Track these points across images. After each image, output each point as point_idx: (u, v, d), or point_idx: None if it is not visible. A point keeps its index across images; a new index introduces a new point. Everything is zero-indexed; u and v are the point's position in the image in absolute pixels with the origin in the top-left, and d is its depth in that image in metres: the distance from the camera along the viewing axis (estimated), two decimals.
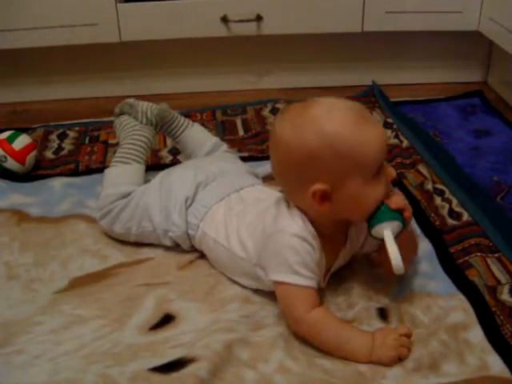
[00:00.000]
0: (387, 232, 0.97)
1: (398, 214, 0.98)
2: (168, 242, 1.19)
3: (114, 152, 1.33)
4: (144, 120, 1.35)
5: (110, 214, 1.21)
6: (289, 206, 1.01)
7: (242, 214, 1.12)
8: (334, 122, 0.93)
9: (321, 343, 0.97)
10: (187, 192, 1.17)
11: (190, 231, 1.16)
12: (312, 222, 0.99)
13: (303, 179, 0.95)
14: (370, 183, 0.96)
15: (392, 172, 1.00)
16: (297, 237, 0.98)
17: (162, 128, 1.40)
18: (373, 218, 0.98)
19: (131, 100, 1.37)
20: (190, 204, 1.17)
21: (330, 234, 1.02)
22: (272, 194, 1.13)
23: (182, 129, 1.41)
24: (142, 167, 1.29)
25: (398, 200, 0.99)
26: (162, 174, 1.25)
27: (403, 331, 0.95)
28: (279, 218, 1.01)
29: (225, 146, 1.41)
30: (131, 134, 1.32)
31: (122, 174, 1.26)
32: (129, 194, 1.21)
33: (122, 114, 1.36)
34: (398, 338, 0.94)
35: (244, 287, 1.11)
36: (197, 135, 1.41)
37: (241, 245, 1.08)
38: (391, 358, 0.93)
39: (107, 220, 1.22)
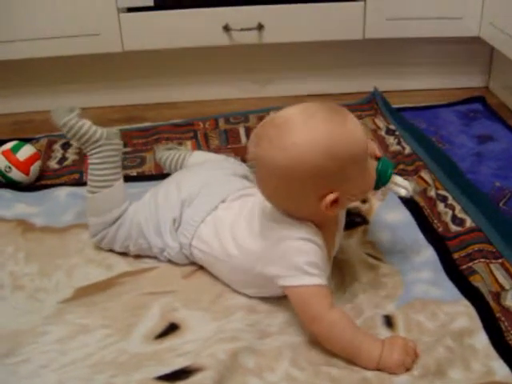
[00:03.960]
0: (395, 178, 1.09)
1: (384, 159, 1.06)
2: (165, 260, 1.20)
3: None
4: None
5: (105, 239, 1.21)
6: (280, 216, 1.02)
7: (234, 224, 1.10)
8: (322, 131, 0.93)
9: (334, 343, 0.97)
10: (173, 213, 1.15)
11: (183, 250, 1.16)
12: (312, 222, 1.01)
13: (308, 194, 0.96)
14: (366, 166, 1.00)
15: (372, 144, 1.05)
16: (302, 239, 0.99)
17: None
18: (379, 179, 1.04)
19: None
20: (179, 225, 1.16)
21: (327, 225, 1.03)
22: (256, 196, 1.12)
23: (180, 162, 1.38)
24: (121, 181, 1.22)
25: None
26: (150, 193, 1.22)
27: (411, 342, 0.96)
28: (280, 226, 1.01)
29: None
30: (99, 150, 1.20)
31: (107, 199, 1.20)
32: (119, 217, 1.19)
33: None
34: (406, 346, 0.94)
35: (249, 296, 1.10)
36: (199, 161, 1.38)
37: (240, 255, 1.07)
38: (398, 366, 0.93)
39: (105, 243, 1.22)
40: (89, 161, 1.21)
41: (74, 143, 1.20)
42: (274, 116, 0.98)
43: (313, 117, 0.95)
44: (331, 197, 0.95)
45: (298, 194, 0.97)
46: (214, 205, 1.15)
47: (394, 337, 0.98)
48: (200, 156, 1.41)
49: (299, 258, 0.98)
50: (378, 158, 1.04)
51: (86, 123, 1.19)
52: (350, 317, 1.00)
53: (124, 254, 1.22)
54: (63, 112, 1.20)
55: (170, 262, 1.20)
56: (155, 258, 1.21)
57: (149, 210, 1.18)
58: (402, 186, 1.09)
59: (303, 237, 0.99)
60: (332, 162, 0.93)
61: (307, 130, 0.94)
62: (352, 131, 0.96)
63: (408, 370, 0.93)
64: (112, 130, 1.22)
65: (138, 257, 1.22)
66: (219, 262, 1.11)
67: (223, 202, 1.15)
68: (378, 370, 0.94)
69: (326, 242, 1.02)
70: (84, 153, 1.23)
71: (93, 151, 1.20)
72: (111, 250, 1.23)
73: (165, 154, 1.42)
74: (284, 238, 1.00)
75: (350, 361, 0.96)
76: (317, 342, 0.99)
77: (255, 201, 1.10)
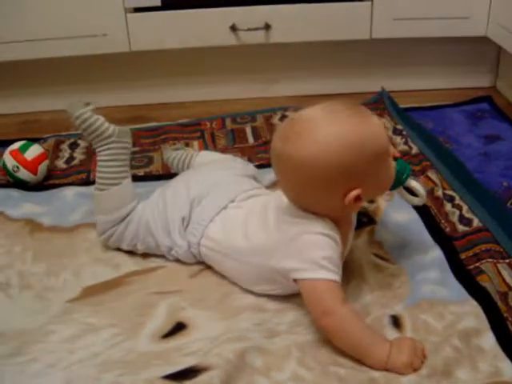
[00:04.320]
0: (411, 182, 1.12)
1: (401, 160, 1.08)
2: (172, 258, 1.20)
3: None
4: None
5: (113, 237, 1.21)
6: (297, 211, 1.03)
7: (246, 221, 1.11)
8: (348, 128, 0.96)
9: (343, 340, 0.97)
10: (182, 212, 1.16)
11: (192, 249, 1.16)
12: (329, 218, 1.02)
13: (333, 190, 0.98)
14: (388, 164, 1.03)
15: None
16: (321, 234, 1.00)
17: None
18: (396, 180, 1.07)
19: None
20: (188, 223, 1.16)
21: (342, 223, 1.05)
22: (267, 195, 1.18)
23: (187, 162, 1.40)
24: (130, 179, 1.22)
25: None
26: (158, 192, 1.23)
27: (419, 343, 0.96)
28: (298, 221, 1.02)
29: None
30: (109, 147, 1.20)
31: (116, 197, 1.20)
32: (127, 216, 1.20)
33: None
34: (414, 347, 0.94)
35: (257, 295, 1.11)
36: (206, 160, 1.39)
37: (252, 251, 1.08)
38: (406, 367, 0.93)
39: (112, 241, 1.22)
40: (97, 158, 1.21)
41: (85, 138, 1.20)
42: (300, 113, 1.01)
43: (338, 114, 0.98)
44: (355, 193, 0.97)
45: (322, 189, 0.98)
46: (223, 204, 1.15)
47: (403, 338, 0.98)
48: (207, 156, 1.42)
49: (316, 252, 0.99)
50: (395, 159, 1.06)
51: (100, 118, 1.19)
52: (361, 316, 1.00)
53: (131, 253, 1.23)
54: (79, 105, 1.20)
55: (177, 261, 1.20)
56: (162, 256, 1.21)
57: (157, 209, 1.18)
58: (416, 190, 1.12)
59: (321, 231, 1.00)
60: (358, 157, 0.96)
61: (334, 126, 0.97)
62: (376, 128, 0.99)
63: (416, 370, 0.93)
64: (124, 128, 1.22)
65: (145, 256, 1.22)
66: (229, 260, 1.11)
67: (232, 201, 1.16)
68: (386, 370, 0.94)
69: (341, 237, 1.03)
70: (93, 149, 1.23)
71: (103, 147, 1.20)
72: (119, 249, 1.23)
73: (172, 154, 1.43)
74: (302, 233, 1.01)
75: (358, 361, 0.96)
76: (325, 341, 0.99)
77: (268, 198, 1.13)
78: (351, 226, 1.10)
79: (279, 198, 1.07)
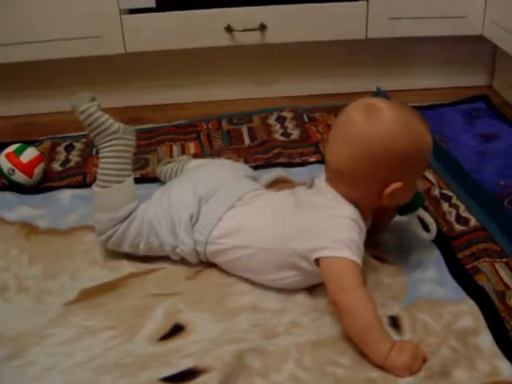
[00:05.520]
0: (424, 214, 1.17)
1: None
2: (176, 257, 1.19)
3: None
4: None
5: (113, 237, 1.19)
6: (331, 194, 1.07)
7: (256, 213, 1.14)
8: (413, 123, 1.03)
9: (354, 321, 0.97)
10: (191, 209, 1.16)
11: (198, 248, 1.16)
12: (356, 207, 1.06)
13: (382, 177, 1.03)
14: (420, 177, 1.12)
15: None
16: (350, 219, 1.03)
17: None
18: (410, 205, 1.13)
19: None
20: (195, 221, 1.16)
21: (366, 217, 1.08)
22: (275, 194, 1.21)
23: (179, 170, 1.41)
24: (132, 178, 1.21)
25: None
26: (161, 191, 1.22)
27: (421, 349, 0.96)
28: (329, 203, 1.06)
29: None
30: (113, 143, 1.19)
31: (118, 195, 1.18)
32: (129, 215, 1.18)
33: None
34: (415, 352, 0.94)
35: (255, 296, 1.11)
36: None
37: (267, 238, 1.09)
38: (404, 369, 0.93)
39: (113, 242, 1.20)
40: (100, 155, 1.20)
41: (89, 133, 1.19)
42: (370, 100, 1.07)
43: (415, 113, 1.05)
44: (397, 185, 1.03)
45: (373, 171, 1.03)
46: (231, 203, 1.16)
47: (407, 341, 0.98)
48: (197, 162, 1.42)
49: (344, 234, 1.02)
50: None
51: (105, 115, 1.19)
52: (376, 305, 1.00)
53: (128, 256, 1.22)
54: (84, 99, 1.19)
55: (174, 263, 1.20)
56: (160, 258, 1.20)
57: (161, 208, 1.18)
58: (429, 223, 1.16)
59: (351, 217, 1.04)
60: (417, 153, 1.03)
61: (413, 119, 1.04)
62: (430, 142, 1.06)
63: (412, 374, 0.93)
64: (129, 127, 1.22)
65: (142, 258, 1.22)
66: (240, 250, 1.11)
67: (240, 200, 1.17)
68: (383, 368, 0.94)
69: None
70: (96, 145, 1.21)
71: (106, 143, 1.18)
72: (116, 252, 1.23)
73: (164, 168, 1.44)
74: (331, 215, 1.04)
75: (356, 361, 0.96)
76: (324, 341, 0.99)
77: (284, 191, 1.20)
78: (368, 223, 1.12)
79: (300, 190, 1.14)
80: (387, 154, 1.00)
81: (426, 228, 1.17)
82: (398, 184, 1.02)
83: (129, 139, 1.20)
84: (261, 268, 1.11)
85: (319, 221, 1.04)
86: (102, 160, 1.19)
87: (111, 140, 1.18)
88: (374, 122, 1.01)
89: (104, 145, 1.19)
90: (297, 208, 1.09)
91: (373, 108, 1.03)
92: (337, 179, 1.06)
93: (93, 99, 1.20)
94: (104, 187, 1.18)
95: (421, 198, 1.15)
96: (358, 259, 1.00)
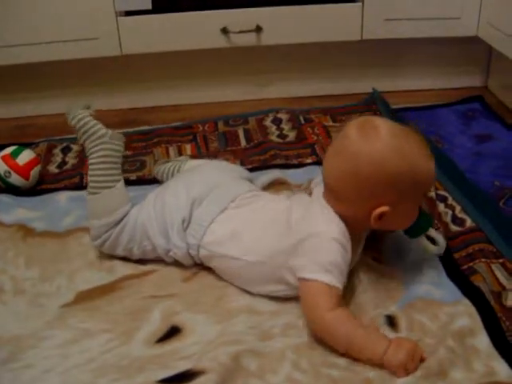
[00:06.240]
0: (431, 231, 1.18)
1: (424, 212, 1.11)
2: (170, 260, 1.19)
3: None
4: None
5: (108, 241, 1.19)
6: (323, 209, 1.05)
7: (248, 222, 1.12)
8: (417, 151, 1.02)
9: (337, 343, 0.97)
10: (183, 213, 1.15)
11: (190, 251, 1.16)
12: (346, 225, 1.03)
13: (369, 197, 1.01)
14: (418, 204, 1.07)
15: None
16: (336, 241, 1.01)
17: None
18: (417, 229, 1.11)
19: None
20: (188, 225, 1.16)
21: (356, 235, 1.06)
22: (270, 197, 1.20)
23: (176, 170, 1.41)
24: (122, 183, 1.22)
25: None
26: (155, 193, 1.22)
27: (419, 347, 0.96)
28: (317, 220, 1.04)
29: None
30: (100, 148, 1.20)
31: (109, 200, 1.19)
32: (122, 220, 1.19)
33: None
34: (413, 350, 0.94)
35: (251, 298, 1.11)
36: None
37: (257, 251, 1.08)
38: (400, 367, 0.92)
39: (107, 246, 1.20)
40: (89, 161, 1.21)
41: (79, 139, 1.21)
42: (371, 119, 1.05)
43: (415, 137, 1.04)
44: (383, 208, 1.00)
45: (360, 190, 1.01)
46: (224, 205, 1.16)
47: (404, 339, 0.98)
48: (194, 162, 1.42)
49: (328, 257, 1.00)
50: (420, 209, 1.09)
51: (94, 120, 1.21)
52: (354, 316, 1.00)
53: (125, 258, 1.22)
54: (78, 106, 1.23)
55: (170, 265, 1.20)
56: (157, 260, 1.20)
57: (154, 211, 1.18)
58: (437, 239, 1.18)
59: (338, 239, 1.02)
60: (408, 178, 1.00)
61: (407, 142, 1.01)
62: (432, 169, 1.05)
63: (409, 374, 0.92)
64: (117, 133, 1.22)
65: (139, 260, 1.22)
66: (231, 260, 1.11)
67: (233, 202, 1.17)
68: (381, 366, 0.94)
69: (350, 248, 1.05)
70: (86, 152, 1.22)
71: (95, 148, 1.19)
72: (112, 254, 1.23)
73: (161, 168, 1.44)
74: (319, 235, 1.02)
75: (353, 362, 0.96)
76: (319, 343, 1.00)
77: (275, 198, 1.19)
78: (362, 242, 1.12)
79: (292, 198, 1.13)
80: (374, 174, 0.99)
81: (433, 240, 1.19)
82: (385, 208, 1.00)
83: (116, 144, 1.21)
84: (249, 279, 1.12)
85: (306, 238, 1.03)
86: (90, 167, 1.21)
87: (99, 145, 1.20)
88: (366, 141, 1.00)
89: (92, 150, 1.20)
90: (287, 223, 1.08)
91: (370, 126, 1.02)
92: (330, 194, 1.06)
93: (87, 107, 1.22)
94: (94, 193, 1.19)
95: (428, 222, 1.12)
96: (337, 283, 1.00)
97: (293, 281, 1.05)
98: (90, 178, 1.21)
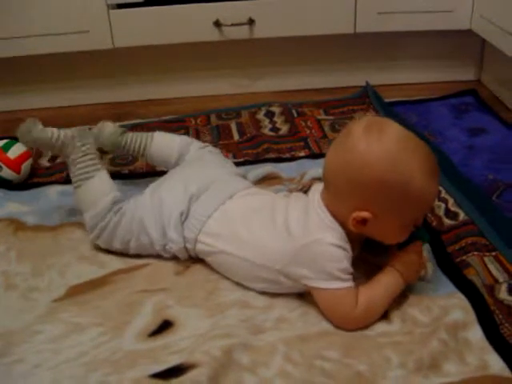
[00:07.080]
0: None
1: (423, 229, 1.11)
2: (167, 255, 1.19)
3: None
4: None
5: (104, 232, 1.19)
6: (319, 212, 1.04)
7: (246, 219, 1.11)
8: (418, 169, 0.97)
9: (377, 314, 1.02)
10: (181, 207, 1.15)
11: (187, 245, 1.15)
12: (343, 227, 1.03)
13: (356, 198, 0.99)
14: (410, 224, 1.03)
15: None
16: (334, 245, 1.01)
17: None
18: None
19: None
20: (185, 218, 1.15)
21: (354, 235, 1.05)
22: (268, 195, 1.19)
23: (142, 146, 1.37)
24: (104, 171, 1.24)
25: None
26: (151, 188, 1.22)
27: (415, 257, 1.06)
28: (312, 227, 1.03)
29: (196, 144, 1.37)
30: (77, 149, 1.24)
31: (93, 190, 1.21)
32: (113, 204, 1.19)
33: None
34: (418, 256, 1.06)
35: (243, 292, 1.11)
36: (160, 144, 1.38)
37: (253, 251, 1.08)
38: (417, 271, 1.07)
39: (104, 239, 1.20)
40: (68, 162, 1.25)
41: (52, 153, 1.24)
42: (381, 119, 1.04)
43: (423, 148, 1.01)
44: (363, 214, 0.99)
45: (352, 191, 0.99)
46: (222, 200, 1.15)
47: (399, 255, 1.06)
48: (163, 138, 1.40)
49: (331, 264, 1.00)
50: (416, 227, 1.07)
51: (47, 130, 1.25)
52: (363, 288, 1.03)
53: (116, 252, 1.22)
54: (26, 130, 1.25)
55: (162, 258, 1.19)
56: (150, 255, 1.20)
57: (151, 205, 1.18)
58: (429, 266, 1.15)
59: (336, 243, 1.01)
60: (400, 192, 0.97)
61: (421, 161, 0.98)
62: (433, 192, 1.02)
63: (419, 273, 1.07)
64: (82, 128, 1.26)
65: (130, 254, 1.21)
66: (227, 256, 1.11)
67: (231, 198, 1.16)
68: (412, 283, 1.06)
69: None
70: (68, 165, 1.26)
71: (68, 156, 1.25)
72: (104, 249, 1.22)
73: (123, 137, 1.38)
74: (316, 242, 1.02)
75: (344, 355, 0.96)
76: (311, 336, 1.00)
77: (273, 196, 1.17)
78: (358, 246, 1.10)
79: (290, 198, 1.11)
80: (363, 174, 0.97)
81: None
82: (366, 214, 0.98)
83: (86, 143, 1.25)
84: (243, 275, 1.11)
85: (306, 245, 1.02)
86: (70, 164, 1.24)
87: (68, 150, 1.25)
88: (366, 140, 0.97)
89: (65, 157, 1.26)
90: (285, 224, 1.06)
91: (377, 128, 0.99)
92: (326, 189, 1.05)
93: (34, 123, 1.26)
94: (78, 187, 1.22)
95: (423, 237, 1.09)
96: (348, 284, 1.01)
97: (287, 283, 1.05)
98: (71, 174, 1.24)
